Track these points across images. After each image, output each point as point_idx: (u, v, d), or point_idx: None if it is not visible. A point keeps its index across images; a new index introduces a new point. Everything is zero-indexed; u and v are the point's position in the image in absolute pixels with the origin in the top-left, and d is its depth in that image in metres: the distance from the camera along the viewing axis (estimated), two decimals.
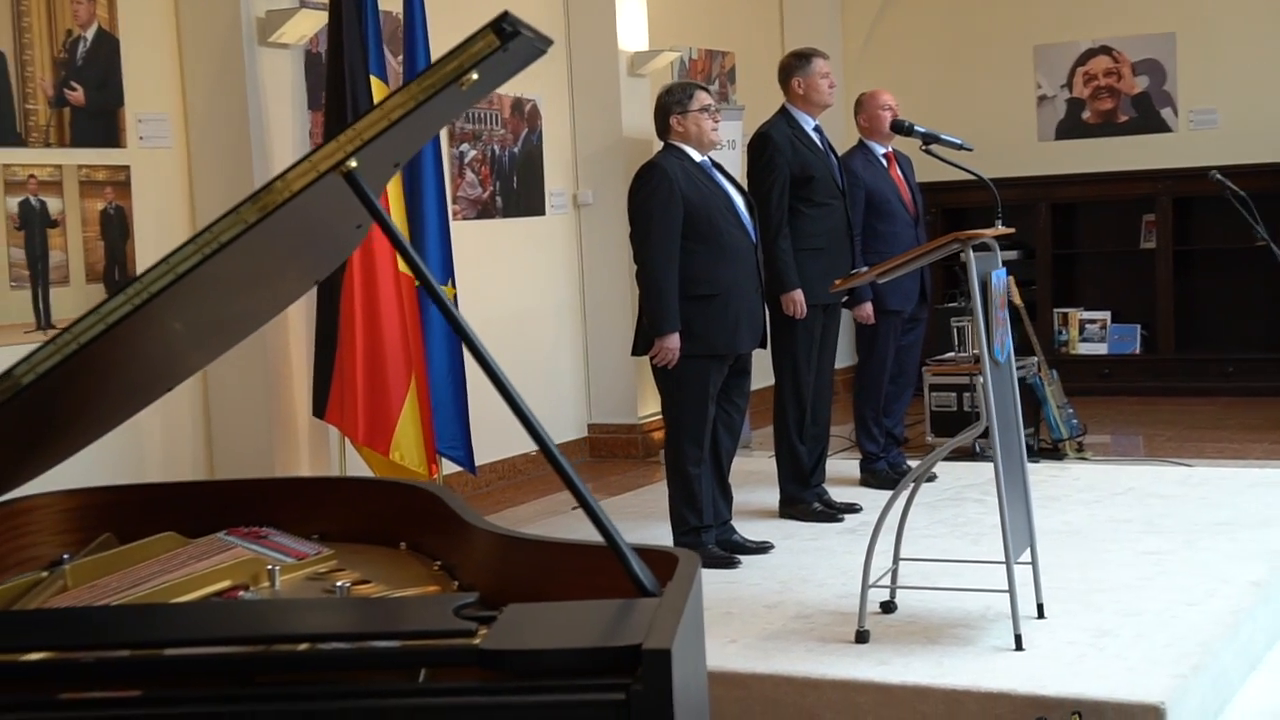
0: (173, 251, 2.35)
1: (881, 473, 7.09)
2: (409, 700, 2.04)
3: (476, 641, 2.11)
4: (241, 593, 2.74)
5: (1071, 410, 8.13)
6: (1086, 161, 10.68)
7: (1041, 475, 7.23)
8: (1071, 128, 10.91)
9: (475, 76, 2.28)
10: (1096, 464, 7.85)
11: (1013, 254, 10.42)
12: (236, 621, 2.41)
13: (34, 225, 6.10)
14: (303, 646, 2.24)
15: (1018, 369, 7.64)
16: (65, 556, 2.93)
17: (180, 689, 2.13)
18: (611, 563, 2.34)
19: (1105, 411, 9.60)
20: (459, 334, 2.44)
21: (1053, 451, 8.01)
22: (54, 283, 6.10)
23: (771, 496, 6.73)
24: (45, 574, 2.87)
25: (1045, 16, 10.85)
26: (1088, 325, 10.73)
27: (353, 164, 2.32)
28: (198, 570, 2.80)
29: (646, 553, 2.42)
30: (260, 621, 2.41)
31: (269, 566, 2.81)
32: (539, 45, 2.38)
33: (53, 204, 6.17)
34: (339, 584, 2.69)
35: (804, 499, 6.59)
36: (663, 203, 5.70)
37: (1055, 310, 10.80)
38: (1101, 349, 10.67)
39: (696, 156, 5.88)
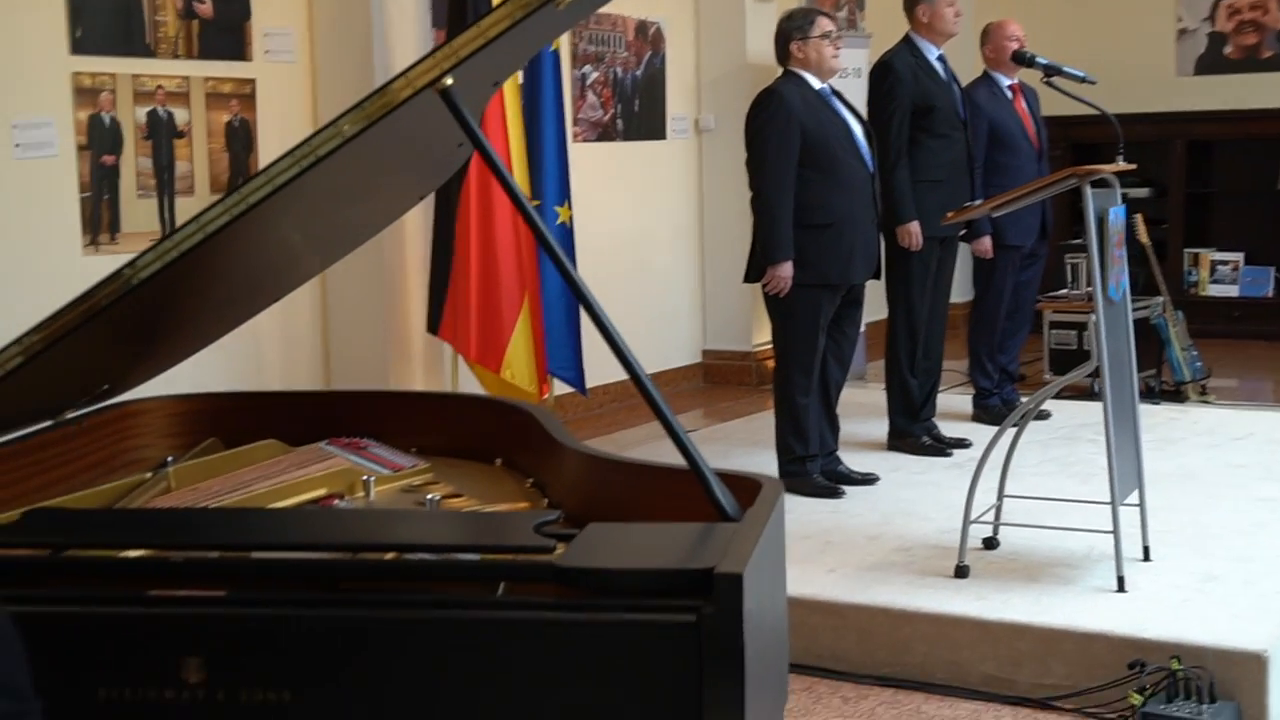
0: (272, 163, 2.39)
1: (994, 409, 7.02)
2: (484, 612, 2.08)
3: (553, 558, 2.14)
4: (336, 501, 2.81)
5: (1196, 352, 7.98)
6: (1226, 98, 10.37)
7: (1161, 417, 7.13)
8: (1212, 63, 10.62)
9: None
10: (1218, 408, 7.69)
11: (1144, 191, 10.21)
12: (325, 529, 2.46)
13: (161, 135, 6.22)
14: (388, 555, 2.29)
15: (1142, 309, 7.55)
16: (169, 459, 3.00)
17: (265, 591, 2.18)
18: (696, 487, 2.35)
19: (1233, 355, 9.39)
20: (548, 252, 2.45)
21: (1175, 394, 7.87)
22: (179, 192, 6.22)
23: (881, 429, 6.71)
24: (150, 475, 2.95)
25: None
26: (1219, 266, 10.49)
27: (449, 81, 2.34)
28: (296, 478, 2.87)
29: (730, 478, 2.43)
30: (348, 530, 2.46)
31: (364, 477, 2.87)
32: None
33: (179, 115, 6.28)
34: (430, 497, 2.74)
35: (913, 432, 6.55)
36: (779, 130, 5.66)
37: (1186, 250, 10.56)
38: (1233, 291, 10.42)
39: (816, 84, 5.81)
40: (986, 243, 6.77)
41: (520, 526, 2.32)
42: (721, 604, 1.98)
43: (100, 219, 5.98)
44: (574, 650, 2.03)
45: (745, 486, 2.43)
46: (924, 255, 6.35)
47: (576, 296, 2.47)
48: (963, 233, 6.67)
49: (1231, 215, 10.70)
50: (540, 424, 3.01)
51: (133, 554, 2.31)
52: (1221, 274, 10.47)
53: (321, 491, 2.83)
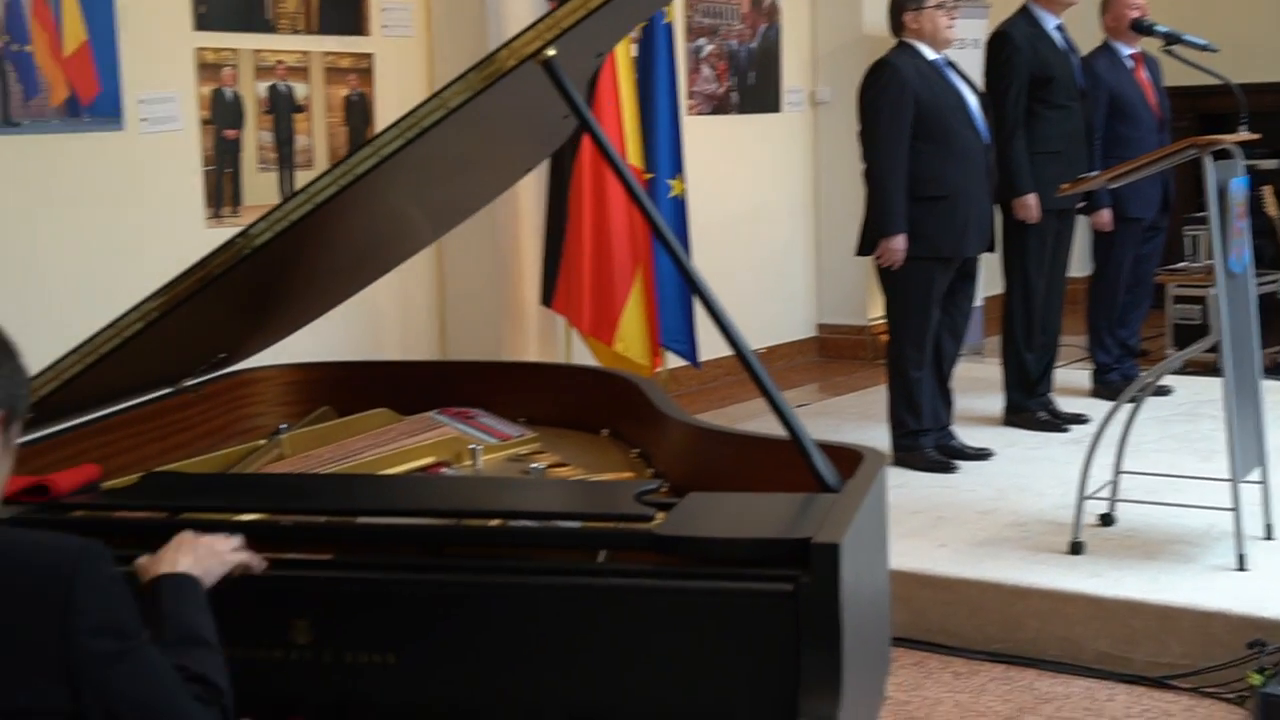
0: (379, 134, 2.42)
1: (1114, 384, 6.88)
2: (584, 579, 2.10)
3: (652, 526, 2.16)
4: (444, 469, 2.84)
5: None
6: None
7: None
8: None
9: None
10: None
11: (1273, 163, 9.95)
12: (431, 495, 2.50)
13: (282, 110, 6.31)
14: (493, 522, 2.31)
15: (1269, 284, 7.38)
16: (283, 426, 3.05)
17: (371, 556, 2.22)
18: (798, 458, 2.35)
19: None
20: (650, 225, 2.46)
21: None
22: (299, 166, 6.32)
23: (997, 404, 6.62)
24: (264, 442, 3.00)
25: None
26: None
27: (551, 52, 2.35)
28: (405, 446, 2.90)
29: (832, 449, 2.43)
30: (453, 497, 2.49)
31: (472, 446, 2.90)
32: None
33: (299, 90, 6.37)
34: (535, 466, 2.76)
35: (1029, 408, 6.47)
36: (892, 101, 5.60)
37: None
38: None
39: (930, 55, 5.74)
40: (1106, 215, 6.65)
41: (622, 495, 2.33)
42: (819, 574, 1.99)
43: (223, 192, 6.09)
44: (672, 617, 2.05)
45: (847, 458, 2.43)
46: (1041, 228, 6.25)
47: (680, 272, 2.48)
48: (1082, 205, 6.56)
49: None
50: (645, 395, 3.02)
51: (245, 518, 2.36)
52: None
53: (430, 459, 2.86)
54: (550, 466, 2.80)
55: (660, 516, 2.20)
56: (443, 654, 2.10)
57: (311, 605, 2.13)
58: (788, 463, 2.39)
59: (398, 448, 2.89)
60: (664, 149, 6.64)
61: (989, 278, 6.54)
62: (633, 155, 6.41)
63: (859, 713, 2.16)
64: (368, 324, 6.48)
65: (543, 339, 6.88)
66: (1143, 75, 6.86)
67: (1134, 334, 7.17)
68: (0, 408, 1.84)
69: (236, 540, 2.08)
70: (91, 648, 1.72)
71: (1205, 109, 9.86)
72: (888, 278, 5.77)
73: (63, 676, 1.71)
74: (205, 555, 2.03)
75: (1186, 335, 7.82)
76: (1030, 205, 6.15)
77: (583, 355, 6.55)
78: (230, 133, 6.12)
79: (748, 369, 2.42)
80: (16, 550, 1.77)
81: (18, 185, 5.45)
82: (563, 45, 2.36)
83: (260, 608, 2.14)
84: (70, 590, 1.73)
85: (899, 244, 5.61)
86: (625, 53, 6.39)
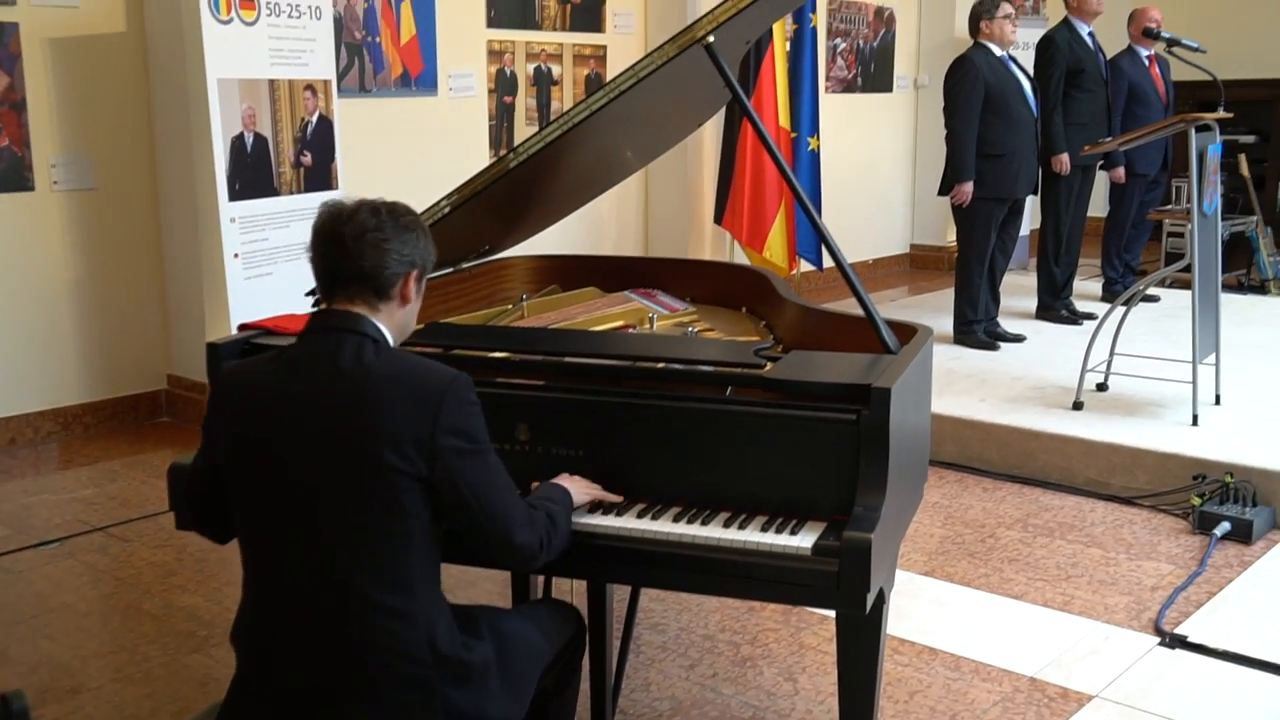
0: (590, 96, 2.38)
1: (1118, 293, 6.57)
2: (715, 405, 2.08)
3: (763, 372, 2.12)
4: (630, 329, 2.82)
5: (1278, 259, 7.29)
6: None
7: (1244, 304, 6.62)
8: None
9: None
10: None
11: (1250, 138, 9.28)
12: (616, 346, 2.47)
13: (543, 83, 6.29)
14: (659, 365, 2.29)
15: (1239, 225, 6.94)
16: (524, 297, 3.07)
17: (573, 383, 2.22)
18: (870, 330, 2.28)
19: None
20: (778, 167, 2.37)
21: (1260, 288, 7.23)
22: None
23: (1032, 304, 6.39)
24: (510, 307, 3.02)
25: None
26: None
27: (710, 39, 2.27)
28: (605, 313, 2.89)
29: (895, 324, 2.35)
30: (631, 347, 2.47)
31: (650, 315, 2.87)
32: None
33: (555, 69, 6.33)
34: (691, 329, 2.73)
35: (1054, 307, 6.23)
36: (969, 86, 5.38)
37: None
38: None
39: (998, 52, 5.48)
40: (1120, 171, 6.32)
41: (744, 350, 2.29)
42: (874, 409, 1.93)
43: (501, 139, 6.12)
44: (773, 433, 2.01)
45: (906, 331, 2.35)
46: (1070, 178, 5.99)
47: (799, 202, 2.39)
48: (1102, 163, 6.23)
49: None
50: (772, 284, 2.95)
51: (493, 355, 2.37)
52: None
53: (621, 322, 2.84)
54: (702, 330, 2.76)
55: (770, 366, 2.16)
56: (616, 452, 2.10)
57: (530, 414, 2.14)
58: (863, 333, 2.32)
59: (600, 314, 2.88)
60: (806, 116, 6.47)
61: (1036, 217, 6.22)
62: (783, 119, 6.25)
63: (900, 507, 2.11)
64: (593, 228, 6.49)
65: (714, 245, 6.82)
66: (1155, 71, 6.44)
67: (1135, 257, 6.85)
68: (415, 267, 1.85)
69: (596, 490, 2.07)
70: (447, 441, 1.73)
71: (1201, 97, 9.16)
72: (958, 212, 5.58)
73: (423, 454, 1.71)
74: (578, 491, 2.03)
75: (1176, 260, 7.39)
76: (1063, 161, 5.88)
77: (740, 258, 6.47)
78: (508, 99, 6.13)
79: (839, 267, 2.34)
80: (415, 366, 1.78)
81: (368, 133, 5.55)
82: (720, 34, 2.27)
83: (498, 413, 2.14)
84: (443, 399, 1.73)
85: (968, 188, 5.41)
86: (782, 46, 6.21)
